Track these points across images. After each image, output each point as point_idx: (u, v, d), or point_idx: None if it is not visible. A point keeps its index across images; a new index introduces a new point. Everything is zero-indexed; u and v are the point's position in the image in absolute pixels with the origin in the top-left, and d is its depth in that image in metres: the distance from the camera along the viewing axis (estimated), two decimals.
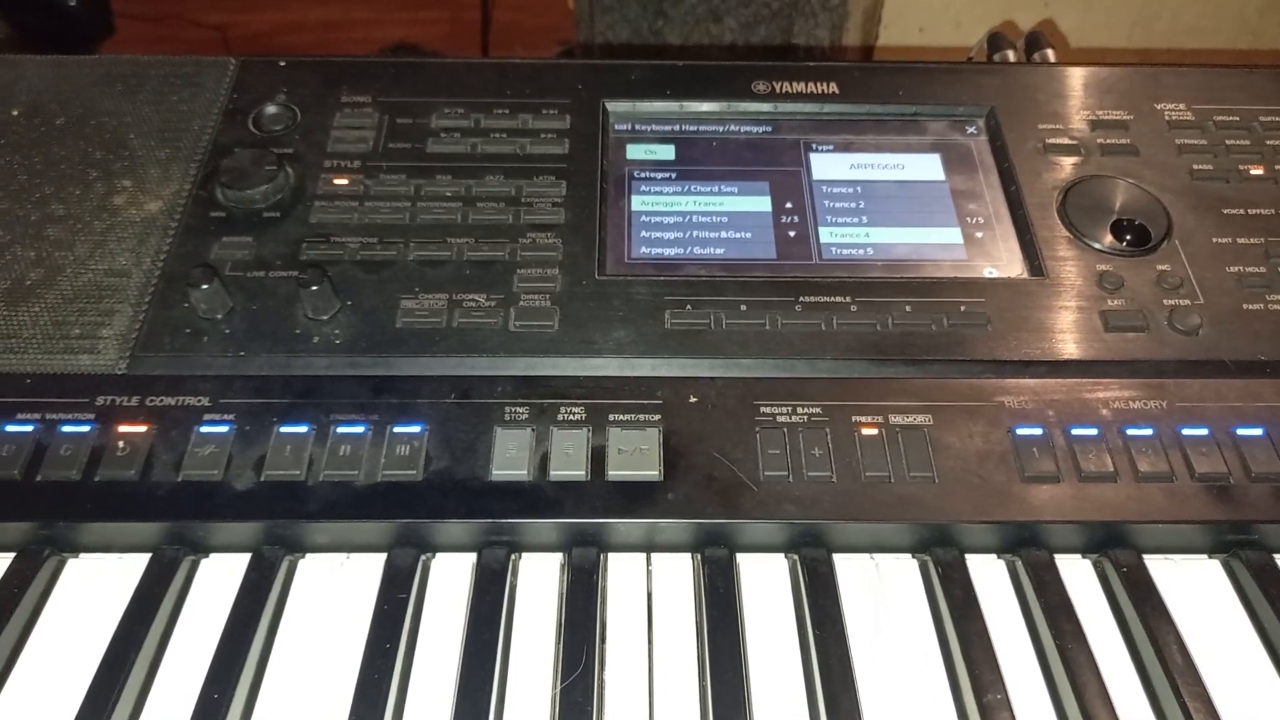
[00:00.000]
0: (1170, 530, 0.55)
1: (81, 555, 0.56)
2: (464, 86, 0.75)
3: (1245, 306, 0.63)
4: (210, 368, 0.60)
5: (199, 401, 0.58)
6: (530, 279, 0.64)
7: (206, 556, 0.56)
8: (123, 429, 0.57)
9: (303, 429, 0.57)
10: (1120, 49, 1.70)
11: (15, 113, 0.74)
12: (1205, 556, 0.56)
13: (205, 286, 0.61)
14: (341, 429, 0.57)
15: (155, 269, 0.65)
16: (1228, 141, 0.72)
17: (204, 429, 0.57)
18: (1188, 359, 0.61)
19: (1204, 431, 0.57)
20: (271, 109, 0.73)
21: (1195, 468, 0.56)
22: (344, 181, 0.69)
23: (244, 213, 0.67)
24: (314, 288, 0.61)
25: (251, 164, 0.68)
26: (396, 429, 0.57)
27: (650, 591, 0.55)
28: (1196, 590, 0.55)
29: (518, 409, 0.58)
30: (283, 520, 0.54)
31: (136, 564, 0.54)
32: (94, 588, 0.54)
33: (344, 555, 0.56)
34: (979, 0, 1.62)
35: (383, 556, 0.55)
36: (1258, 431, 0.57)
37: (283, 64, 0.76)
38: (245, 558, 0.55)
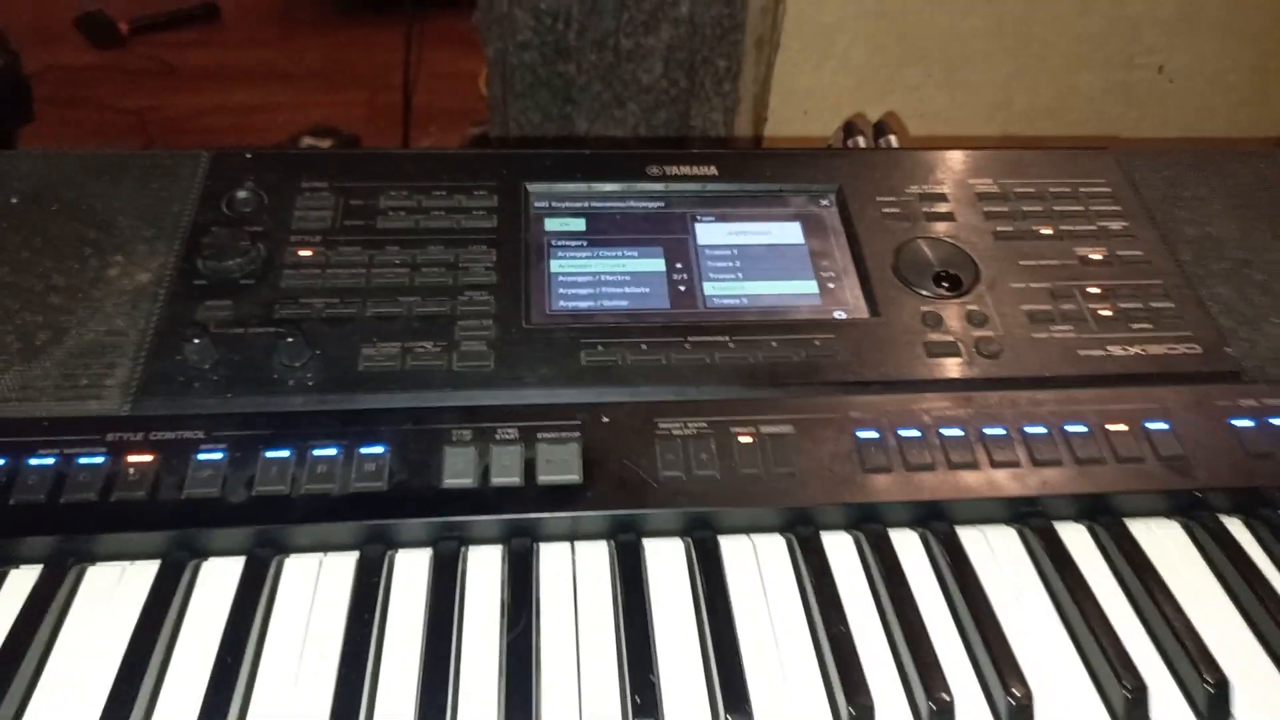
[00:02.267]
0: (976, 504, 0.71)
1: (100, 564, 0.67)
2: (406, 172, 0.89)
3: (1034, 335, 0.81)
4: (202, 408, 0.72)
5: (195, 434, 0.70)
6: (469, 329, 0.78)
7: (207, 560, 0.67)
8: (132, 459, 0.68)
9: (285, 453, 0.69)
10: (981, 134, 1.93)
11: (14, 200, 0.85)
12: (1005, 525, 0.72)
13: (197, 341, 0.73)
14: (317, 452, 0.70)
15: (149, 328, 0.77)
16: (1024, 208, 0.91)
17: (201, 456, 0.69)
18: (991, 376, 0.78)
19: (1001, 430, 0.74)
20: (242, 193, 0.86)
21: (994, 457, 0.72)
22: (308, 253, 0.82)
23: (222, 281, 0.80)
24: (289, 340, 0.74)
25: (228, 240, 0.81)
26: (363, 450, 0.70)
27: (575, 574, 0.68)
28: (998, 552, 0.70)
29: (462, 432, 0.72)
30: (272, 525, 0.67)
31: (149, 569, 0.66)
32: (113, 591, 0.65)
33: (322, 554, 0.68)
34: (858, 84, 1.82)
35: (355, 554, 0.67)
36: (1041, 429, 0.74)
37: (249, 155, 0.90)
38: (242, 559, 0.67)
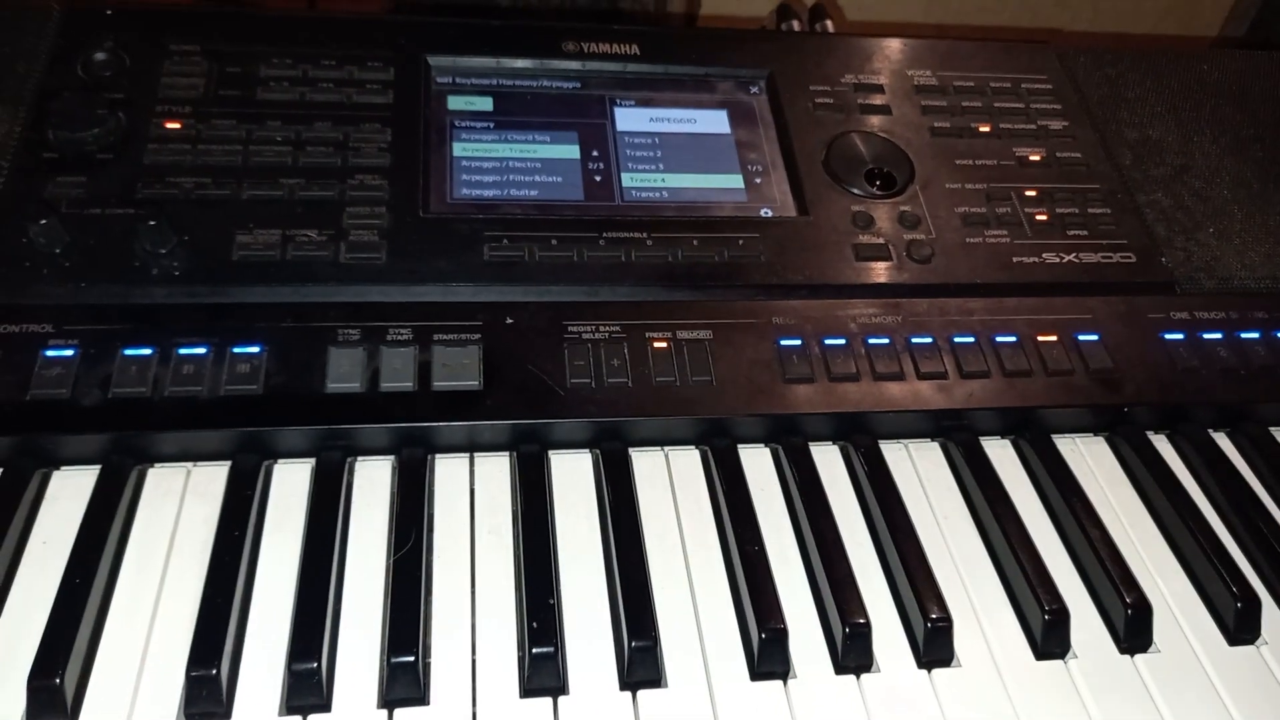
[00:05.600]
0: (899, 418, 0.67)
1: None
2: (292, 38, 0.80)
3: (967, 240, 0.76)
4: (50, 298, 0.64)
5: (41, 328, 0.62)
6: (358, 216, 0.70)
7: (58, 469, 0.60)
8: None
9: (146, 351, 0.62)
10: (918, 23, 1.86)
11: None
12: (928, 440, 0.69)
13: (44, 222, 0.64)
14: (184, 350, 0.62)
15: None
16: (963, 103, 0.86)
17: (49, 353, 0.61)
18: (920, 283, 0.74)
19: (928, 340, 0.70)
20: (100, 55, 0.76)
21: (920, 368, 0.68)
22: (176, 125, 0.73)
23: (76, 154, 0.70)
24: (152, 223, 0.65)
25: (82, 106, 0.71)
26: (236, 349, 0.63)
27: (473, 488, 0.63)
28: (921, 468, 0.67)
29: (349, 331, 0.65)
30: (130, 431, 0.59)
31: None
32: None
33: (190, 464, 0.61)
34: None
35: (227, 464, 0.61)
36: (970, 339, 0.70)
37: (109, 12, 0.79)
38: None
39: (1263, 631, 0.60)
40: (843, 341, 0.69)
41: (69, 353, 0.61)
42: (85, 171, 0.70)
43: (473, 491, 0.62)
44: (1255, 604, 0.60)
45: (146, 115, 0.73)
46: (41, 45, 0.77)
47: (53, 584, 0.54)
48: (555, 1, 1.72)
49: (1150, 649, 0.59)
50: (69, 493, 0.59)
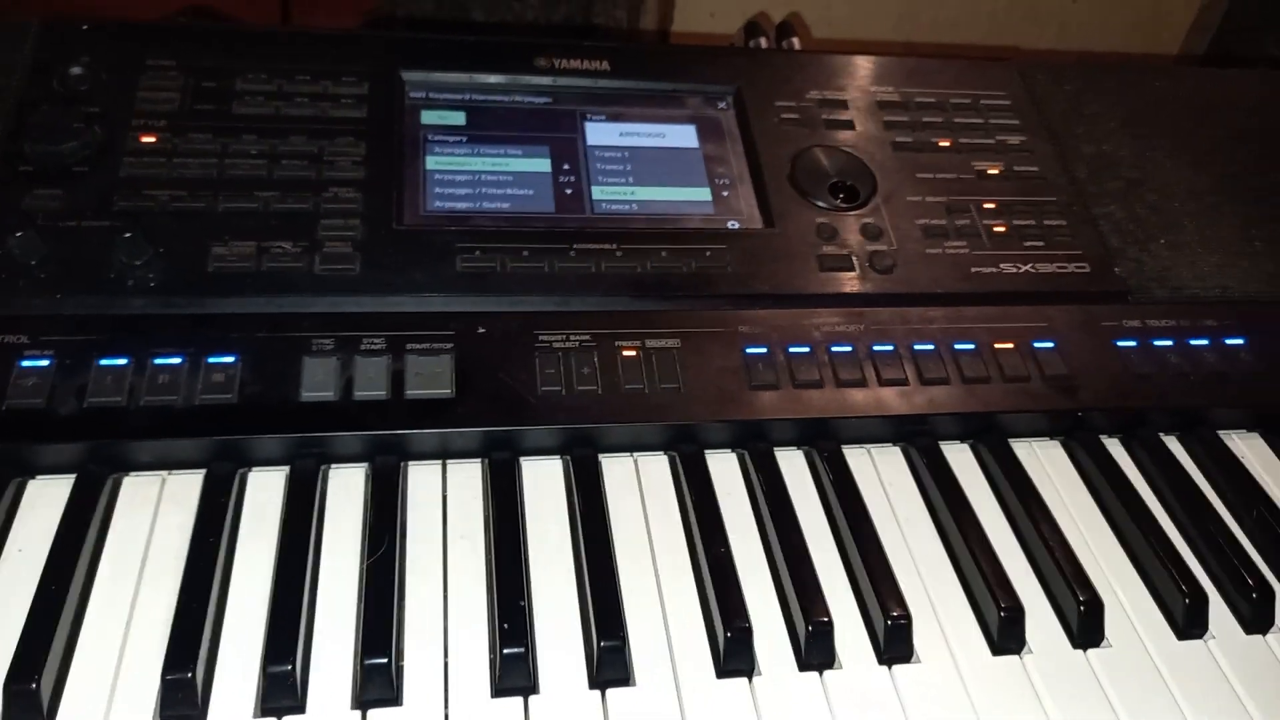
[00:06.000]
0: (862, 423, 0.69)
1: None
2: (267, 53, 0.81)
3: (928, 251, 0.79)
4: (27, 309, 0.65)
5: (17, 339, 0.63)
6: (333, 228, 0.71)
7: (33, 478, 0.61)
8: None
9: (122, 361, 0.63)
10: (887, 41, 1.89)
11: None
12: (890, 445, 0.71)
13: (20, 234, 0.65)
14: (159, 360, 0.63)
15: None
16: (924, 119, 0.88)
17: (25, 363, 0.62)
18: (882, 292, 0.76)
19: (890, 348, 0.72)
20: (76, 70, 0.77)
21: (882, 375, 0.70)
22: (151, 139, 0.74)
23: (52, 167, 0.71)
24: (128, 235, 0.66)
25: (59, 120, 0.72)
26: (211, 359, 0.64)
27: (445, 494, 0.64)
28: (883, 472, 0.69)
29: (323, 341, 0.66)
30: (106, 440, 0.60)
31: None
32: None
33: (165, 472, 0.62)
34: None
35: (201, 472, 0.62)
36: (930, 347, 0.72)
37: (85, 27, 0.80)
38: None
39: (1210, 626, 0.62)
40: (807, 349, 0.71)
41: (45, 363, 0.62)
42: (62, 184, 0.71)
43: (445, 497, 0.63)
44: (1203, 600, 0.62)
45: (123, 129, 0.74)
46: (18, 59, 0.77)
47: (29, 590, 0.54)
48: (529, 17, 1.74)
49: (1103, 644, 0.61)
50: (45, 501, 0.60)
